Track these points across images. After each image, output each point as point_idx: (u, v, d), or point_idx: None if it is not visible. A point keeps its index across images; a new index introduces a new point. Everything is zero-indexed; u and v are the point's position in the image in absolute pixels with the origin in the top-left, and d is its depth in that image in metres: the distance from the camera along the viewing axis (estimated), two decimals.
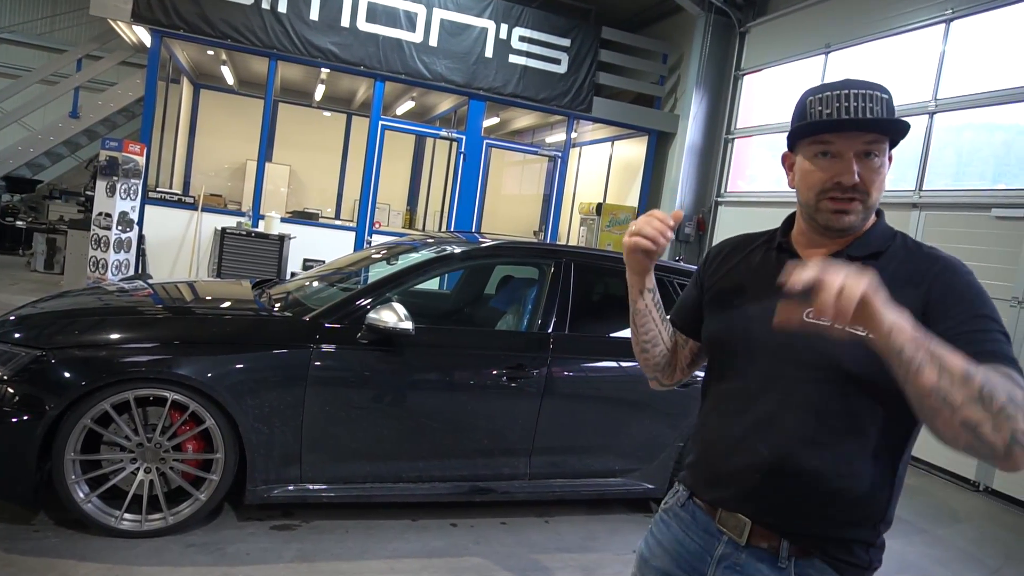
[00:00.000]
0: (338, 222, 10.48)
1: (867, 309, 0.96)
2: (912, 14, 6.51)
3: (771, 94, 8.52)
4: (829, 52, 7.48)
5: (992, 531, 4.58)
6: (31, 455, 2.80)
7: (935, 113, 6.19)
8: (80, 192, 10.78)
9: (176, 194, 8.91)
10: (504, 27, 9.17)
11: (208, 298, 3.94)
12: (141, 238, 8.32)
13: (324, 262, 8.74)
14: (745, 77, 8.91)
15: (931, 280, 1.19)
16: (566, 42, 9.50)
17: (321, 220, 9.71)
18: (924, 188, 6.20)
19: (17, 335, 3.06)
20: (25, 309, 3.40)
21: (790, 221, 1.40)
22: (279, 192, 11.90)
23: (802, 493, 1.23)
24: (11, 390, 2.83)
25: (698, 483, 1.39)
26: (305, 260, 8.83)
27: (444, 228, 10.24)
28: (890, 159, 1.28)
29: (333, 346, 3.18)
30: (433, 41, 8.90)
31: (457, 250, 3.76)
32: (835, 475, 1.21)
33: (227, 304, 3.70)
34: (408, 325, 3.13)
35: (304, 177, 12.89)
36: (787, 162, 1.36)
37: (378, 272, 3.94)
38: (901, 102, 6.55)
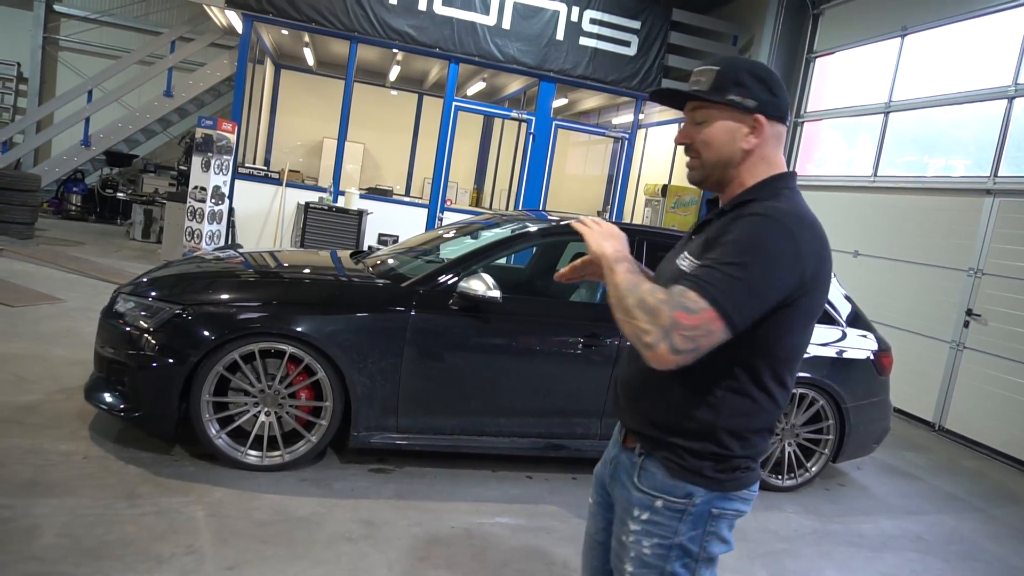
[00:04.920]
0: (410, 199, 10.92)
1: (587, 243, 1.46)
2: None
3: (843, 77, 8.46)
4: (906, 35, 7.40)
5: None
6: (174, 396, 3.26)
7: (1015, 98, 6.12)
8: (173, 166, 11.52)
9: (263, 170, 9.47)
10: (575, 9, 9.34)
11: (313, 266, 4.35)
12: (231, 210, 8.93)
13: (398, 236, 9.21)
14: (817, 60, 8.86)
15: (736, 223, 1.38)
16: (636, 24, 9.61)
17: (395, 197, 10.15)
18: (999, 174, 6.16)
19: (154, 293, 3.53)
20: (149, 275, 3.85)
21: None
22: (353, 169, 12.42)
23: (645, 404, 1.52)
24: (154, 340, 3.30)
25: None
26: (380, 234, 9.30)
27: (512, 206, 10.55)
28: (756, 122, 1.44)
29: (427, 311, 3.53)
30: (506, 24, 9.15)
31: (537, 227, 4.06)
32: (667, 390, 1.46)
33: (334, 271, 4.09)
34: (496, 294, 3.46)
35: (377, 155, 13.38)
36: None
37: (463, 246, 4.28)
38: (978, 86, 6.49)
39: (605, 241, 1.45)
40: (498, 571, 2.89)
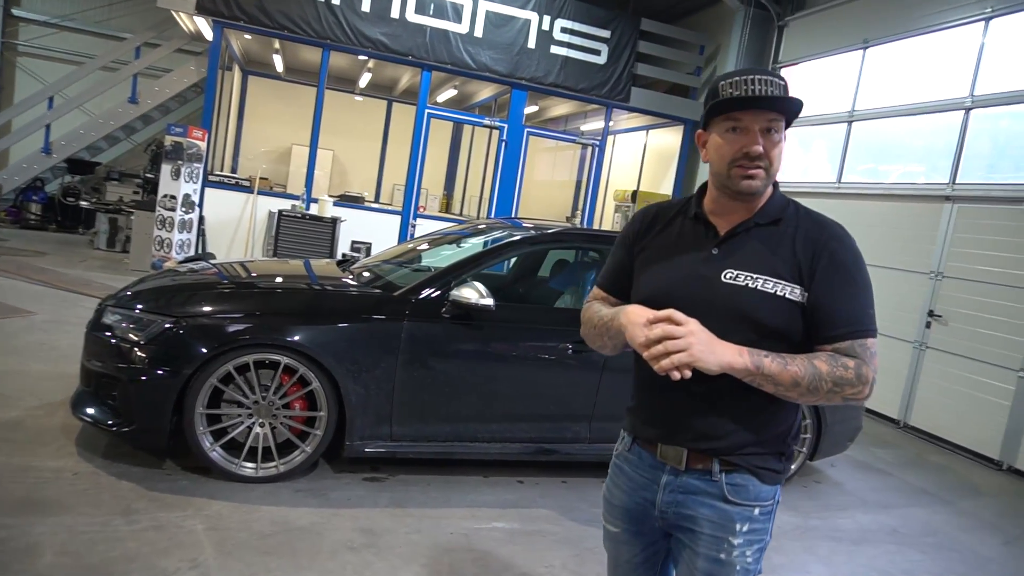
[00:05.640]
0: (382, 205, 10.91)
1: (696, 364, 1.35)
2: (952, 11, 6.71)
3: (808, 87, 8.73)
4: (867, 47, 7.69)
5: (1014, 505, 4.90)
6: (168, 409, 3.24)
7: (971, 109, 6.41)
8: (138, 174, 11.29)
9: (234, 177, 9.37)
10: (547, 19, 9.47)
11: (302, 276, 4.34)
12: (202, 219, 8.81)
13: (371, 244, 9.18)
14: (782, 70, 9.13)
15: (822, 244, 1.48)
16: (606, 33, 9.77)
17: (367, 204, 10.12)
18: (958, 181, 6.44)
19: (143, 305, 3.49)
20: (132, 288, 3.79)
21: (703, 191, 1.60)
22: (321, 176, 12.34)
23: (725, 422, 1.49)
24: (146, 353, 3.27)
25: (638, 424, 1.63)
26: (353, 242, 9.26)
27: (484, 213, 10.61)
28: (785, 138, 1.51)
29: (420, 319, 3.57)
30: (478, 32, 9.23)
31: (524, 236, 4.13)
32: (750, 405, 1.47)
33: (324, 281, 4.08)
34: (489, 302, 3.51)
35: (346, 162, 13.32)
36: (700, 140, 1.56)
37: (450, 255, 4.33)
38: (936, 98, 6.78)
39: (717, 349, 1.37)
40: (499, 575, 2.94)
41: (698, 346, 1.35)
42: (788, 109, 1.45)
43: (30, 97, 11.18)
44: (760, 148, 1.44)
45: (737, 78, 1.45)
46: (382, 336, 3.52)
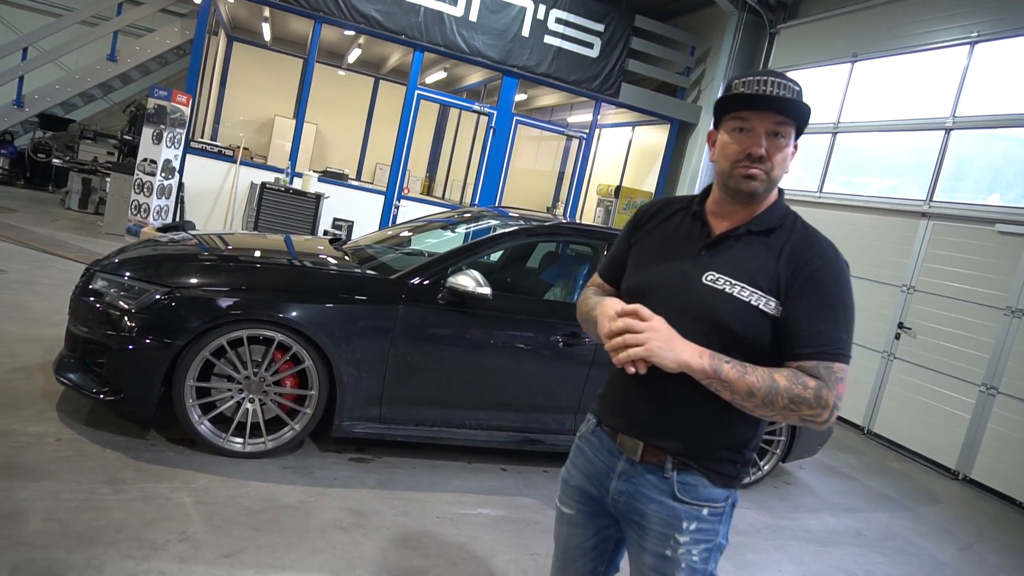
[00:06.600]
0: (365, 184, 10.79)
1: (652, 360, 1.39)
2: (939, 33, 6.88)
3: None
4: (856, 61, 7.84)
5: (968, 513, 5.11)
6: (158, 380, 3.20)
7: (952, 130, 6.59)
8: (114, 135, 10.99)
9: (217, 146, 9.18)
10: (542, 8, 9.44)
11: (284, 252, 4.30)
12: (181, 186, 8.63)
13: (353, 222, 9.10)
14: None
15: (806, 260, 1.47)
16: (600, 27, 9.79)
17: (350, 181, 10.01)
18: (935, 199, 6.63)
19: (135, 273, 3.43)
20: (121, 255, 3.72)
21: (708, 190, 1.62)
22: (304, 150, 12.15)
23: (684, 422, 1.52)
24: (137, 323, 3.22)
25: (604, 412, 1.67)
26: (335, 219, 9.17)
27: (470, 199, 10.58)
28: (795, 148, 1.51)
29: (416, 304, 3.58)
30: (473, 16, 9.17)
31: (522, 227, 4.15)
32: (711, 410, 1.48)
33: (317, 259, 4.04)
34: (486, 291, 3.54)
35: (328, 136, 13.14)
36: (711, 139, 1.58)
37: (444, 240, 4.34)
38: (919, 116, 6.95)
39: (677, 347, 1.40)
40: (487, 561, 2.99)
41: (655, 342, 1.38)
42: (795, 114, 1.46)
43: (3, 47, 10.74)
44: (763, 150, 1.46)
45: (750, 78, 1.47)
46: (377, 318, 3.52)
